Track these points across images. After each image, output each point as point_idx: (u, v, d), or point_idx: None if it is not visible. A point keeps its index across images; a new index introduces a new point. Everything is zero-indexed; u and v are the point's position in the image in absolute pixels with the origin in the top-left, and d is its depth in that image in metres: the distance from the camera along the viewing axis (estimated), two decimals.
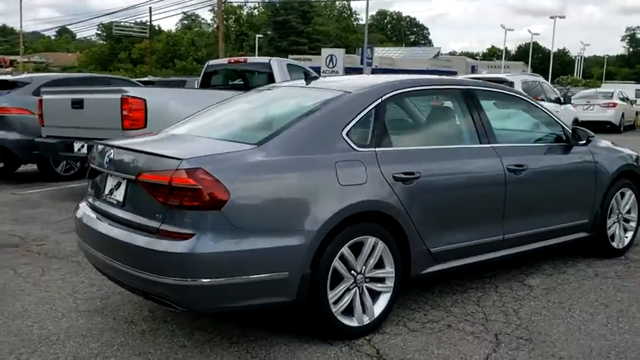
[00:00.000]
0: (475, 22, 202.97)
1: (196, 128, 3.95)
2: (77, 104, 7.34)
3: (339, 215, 3.28)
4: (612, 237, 5.05)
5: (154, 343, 3.47)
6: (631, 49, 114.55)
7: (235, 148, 3.28)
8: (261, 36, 72.90)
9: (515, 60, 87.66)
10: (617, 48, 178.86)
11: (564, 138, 4.72)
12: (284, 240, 3.14)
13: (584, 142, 4.71)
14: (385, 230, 3.51)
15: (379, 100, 3.71)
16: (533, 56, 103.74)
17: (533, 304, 4.01)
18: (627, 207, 5.18)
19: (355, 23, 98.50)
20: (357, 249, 3.42)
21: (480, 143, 4.13)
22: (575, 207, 4.72)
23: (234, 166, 3.13)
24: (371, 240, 3.45)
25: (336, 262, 3.32)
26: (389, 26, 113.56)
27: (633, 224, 5.26)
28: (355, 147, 3.50)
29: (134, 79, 11.98)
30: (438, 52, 74.71)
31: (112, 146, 3.55)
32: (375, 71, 33.89)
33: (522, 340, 3.44)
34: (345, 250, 3.35)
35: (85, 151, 7.23)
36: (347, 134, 3.50)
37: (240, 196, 3.05)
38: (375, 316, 3.52)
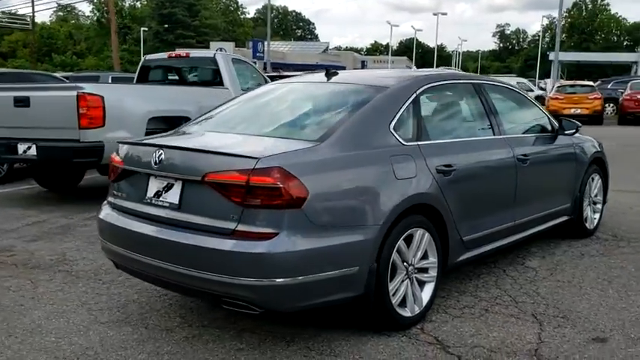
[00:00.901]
0: (357, 18, 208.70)
1: (235, 126, 3.88)
2: (21, 102, 6.77)
3: (398, 208, 3.34)
4: (585, 219, 5.49)
5: (206, 348, 3.35)
6: (501, 45, 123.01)
7: (300, 145, 3.23)
8: (146, 29, 70.23)
9: (397, 55, 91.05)
10: (489, 44, 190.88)
11: (552, 128, 5.07)
12: (354, 235, 3.16)
13: (573, 131, 5.08)
14: (429, 222, 3.61)
15: (416, 94, 3.81)
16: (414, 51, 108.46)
17: (547, 284, 4.29)
18: (595, 191, 5.66)
19: (242, 17, 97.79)
20: (407, 242, 3.50)
21: (494, 135, 4.35)
22: (563, 192, 5.10)
23: (309, 164, 3.09)
24: (420, 232, 3.54)
25: (394, 255, 3.38)
26: (275, 20, 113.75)
27: (599, 206, 5.76)
28: (402, 141, 3.57)
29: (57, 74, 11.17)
30: (327, 47, 76.06)
31: (162, 146, 3.37)
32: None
33: (560, 319, 3.67)
34: (400, 242, 3.41)
35: (34, 153, 6.71)
36: (394, 128, 3.57)
37: (317, 193, 3.03)
38: (424, 306, 3.62)
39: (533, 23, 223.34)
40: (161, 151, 3.33)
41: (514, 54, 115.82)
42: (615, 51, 78.28)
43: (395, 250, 3.38)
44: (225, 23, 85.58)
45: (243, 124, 3.91)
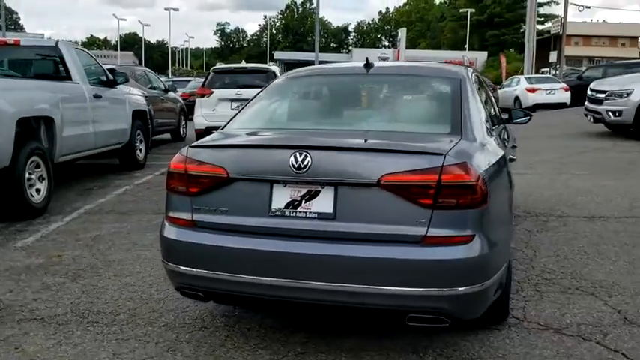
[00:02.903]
0: (65, 9, 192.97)
1: (330, 122, 3.49)
2: None
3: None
4: None
5: None
6: (222, 43, 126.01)
7: (448, 138, 3.01)
8: None
9: (115, 49, 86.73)
10: (211, 41, 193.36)
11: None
12: (509, 228, 3.13)
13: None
14: None
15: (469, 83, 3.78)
16: (134, 47, 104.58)
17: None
18: None
19: None
20: None
21: None
22: None
23: (478, 158, 2.91)
24: None
25: None
26: None
27: None
28: (490, 128, 3.60)
29: None
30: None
31: (305, 147, 2.83)
32: None
33: (601, 289, 4.08)
34: None
35: None
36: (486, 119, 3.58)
37: (491, 189, 2.88)
38: None
39: (248, 22, 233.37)
40: (305, 153, 2.81)
41: (235, 52, 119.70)
42: (324, 51, 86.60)
43: None
44: None
45: (338, 120, 3.53)
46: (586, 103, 13.55)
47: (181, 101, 14.91)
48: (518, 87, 23.69)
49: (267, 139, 3.19)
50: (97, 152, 8.14)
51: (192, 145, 3.13)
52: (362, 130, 3.31)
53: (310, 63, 21.13)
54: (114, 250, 5.13)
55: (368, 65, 3.87)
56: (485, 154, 3.06)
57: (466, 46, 57.66)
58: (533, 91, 22.91)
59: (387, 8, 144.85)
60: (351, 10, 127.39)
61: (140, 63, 60.21)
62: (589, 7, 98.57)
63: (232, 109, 10.86)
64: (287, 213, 2.84)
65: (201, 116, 10.90)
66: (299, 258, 2.78)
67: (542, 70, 53.51)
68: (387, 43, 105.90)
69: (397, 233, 2.71)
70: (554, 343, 3.28)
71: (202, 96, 11.04)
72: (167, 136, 13.96)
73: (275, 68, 11.74)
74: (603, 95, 12.47)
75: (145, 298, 4.01)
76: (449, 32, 75.74)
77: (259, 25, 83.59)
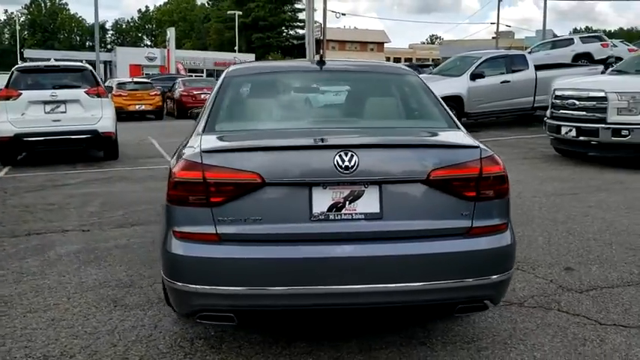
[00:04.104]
0: None
1: (329, 119, 3.32)
2: None
3: None
4: None
5: None
6: None
7: (459, 132, 3.13)
8: None
9: None
10: None
11: None
12: None
13: None
14: None
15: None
16: None
17: None
18: None
19: None
20: None
21: None
22: None
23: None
24: None
25: None
26: None
27: None
28: None
29: None
30: None
31: (351, 146, 2.67)
32: None
33: (524, 264, 4.56)
34: None
35: None
36: None
37: None
38: None
39: None
40: (351, 152, 2.67)
41: None
42: (80, 50, 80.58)
43: None
44: None
45: (332, 116, 3.43)
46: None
47: None
48: None
49: (303, 140, 2.96)
50: None
51: (207, 149, 2.76)
52: (372, 127, 3.27)
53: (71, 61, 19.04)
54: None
55: (321, 62, 3.82)
56: None
57: (236, 48, 58.50)
58: None
59: (147, 7, 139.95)
60: (107, 8, 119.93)
61: None
62: (345, 14, 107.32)
63: (46, 112, 9.67)
64: (331, 216, 2.69)
65: (8, 122, 9.41)
66: (349, 262, 2.66)
67: None
68: (149, 42, 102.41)
69: (444, 227, 2.75)
70: (528, 317, 3.61)
71: (7, 98, 9.54)
72: None
73: (88, 66, 10.65)
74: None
75: (91, 332, 3.42)
76: (214, 33, 76.02)
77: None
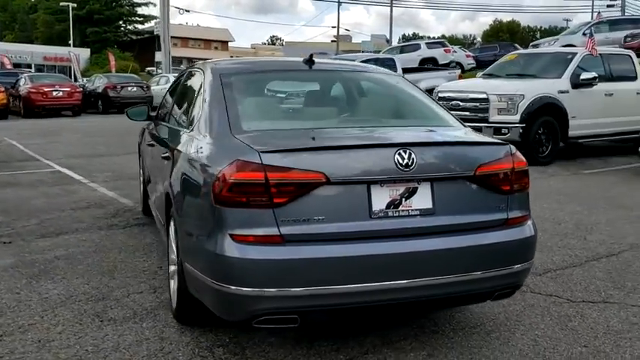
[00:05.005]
0: None
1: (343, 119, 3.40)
2: None
3: None
4: None
5: None
6: None
7: (464, 130, 3.34)
8: None
9: None
10: None
11: None
12: None
13: None
14: None
15: None
16: None
17: None
18: None
19: None
20: None
21: None
22: None
23: None
24: None
25: None
26: None
27: None
28: None
29: None
30: None
31: (409, 145, 2.73)
32: None
33: None
34: None
35: None
36: None
37: None
38: None
39: None
40: (409, 150, 2.73)
41: None
42: None
43: None
44: None
45: (355, 117, 3.49)
46: None
47: None
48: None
49: (363, 138, 2.91)
50: None
51: (267, 149, 2.65)
52: (401, 126, 3.36)
53: None
54: None
55: (309, 61, 3.82)
56: None
57: (70, 42, 54.50)
58: None
59: None
60: None
61: None
62: (189, 11, 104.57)
63: None
64: (390, 213, 2.75)
65: None
66: (410, 257, 2.73)
67: (148, 69, 54.71)
68: None
69: (486, 220, 2.93)
70: (511, 300, 3.89)
71: None
72: None
73: None
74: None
75: (94, 351, 3.12)
76: (42, 26, 70.13)
77: None
